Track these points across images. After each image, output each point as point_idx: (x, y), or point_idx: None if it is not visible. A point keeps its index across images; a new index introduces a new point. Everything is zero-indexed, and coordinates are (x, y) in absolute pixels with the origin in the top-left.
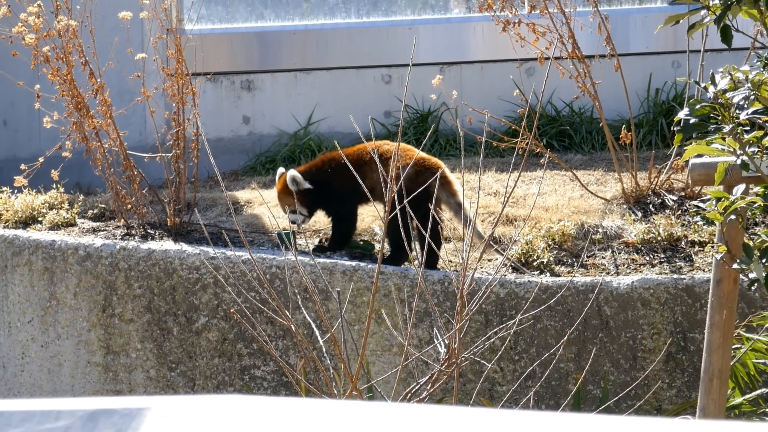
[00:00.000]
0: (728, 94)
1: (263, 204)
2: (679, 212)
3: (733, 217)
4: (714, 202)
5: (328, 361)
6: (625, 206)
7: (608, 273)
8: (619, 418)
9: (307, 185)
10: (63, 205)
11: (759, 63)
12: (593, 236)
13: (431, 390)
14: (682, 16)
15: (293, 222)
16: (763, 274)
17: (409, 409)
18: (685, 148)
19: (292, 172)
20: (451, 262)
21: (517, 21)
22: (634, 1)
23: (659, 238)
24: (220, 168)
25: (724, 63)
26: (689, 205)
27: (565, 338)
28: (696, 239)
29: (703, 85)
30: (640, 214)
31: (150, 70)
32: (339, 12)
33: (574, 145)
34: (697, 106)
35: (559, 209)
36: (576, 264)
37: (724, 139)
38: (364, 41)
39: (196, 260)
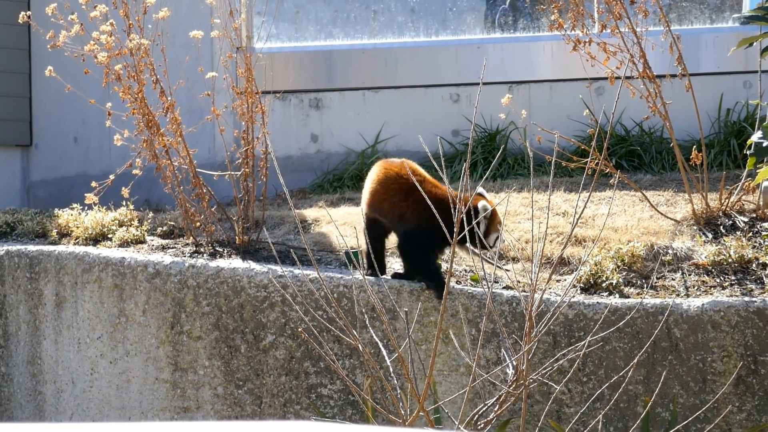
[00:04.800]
0: None
1: (331, 222)
2: (750, 234)
3: None
4: None
5: (395, 381)
6: (695, 227)
7: (678, 295)
8: None
9: None
10: (132, 223)
11: None
12: (663, 258)
13: (498, 411)
14: (755, 39)
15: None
16: None
17: None
18: (757, 170)
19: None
20: (519, 282)
21: (587, 40)
22: (706, 20)
23: (730, 260)
24: (287, 186)
25: None
26: (760, 227)
27: (635, 360)
28: (767, 262)
29: None
30: (710, 236)
31: (219, 89)
32: (407, 31)
33: (643, 166)
34: None
35: (628, 230)
36: (645, 286)
37: None
38: (433, 60)
39: (264, 278)
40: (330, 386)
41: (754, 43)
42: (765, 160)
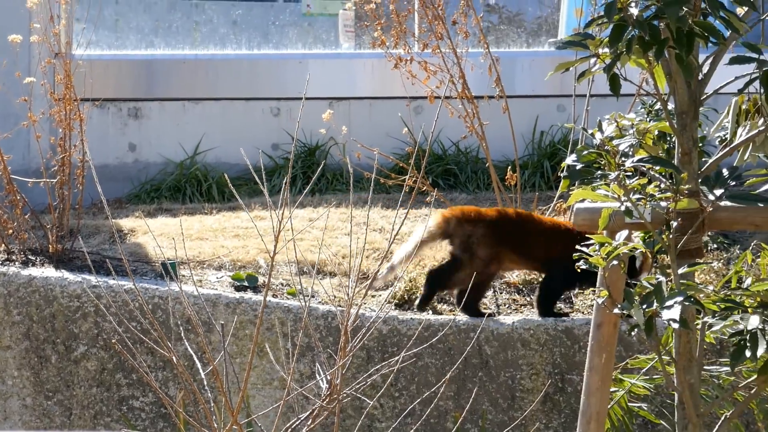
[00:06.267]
0: (614, 142)
1: (147, 233)
2: None
3: (615, 262)
4: (597, 247)
5: (209, 394)
6: None
7: (489, 313)
8: None
9: None
10: None
11: (644, 110)
12: None
13: (311, 426)
14: (571, 64)
15: None
16: (643, 319)
17: None
18: (569, 192)
19: None
20: (335, 297)
21: (409, 58)
22: (522, 44)
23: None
24: (104, 195)
25: (609, 108)
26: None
27: (447, 377)
28: None
29: (590, 131)
30: None
31: (37, 95)
32: (230, 43)
33: (459, 184)
34: (584, 153)
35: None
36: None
37: (608, 185)
38: (254, 73)
39: (77, 288)
40: (142, 398)
41: (570, 68)
42: (577, 183)
